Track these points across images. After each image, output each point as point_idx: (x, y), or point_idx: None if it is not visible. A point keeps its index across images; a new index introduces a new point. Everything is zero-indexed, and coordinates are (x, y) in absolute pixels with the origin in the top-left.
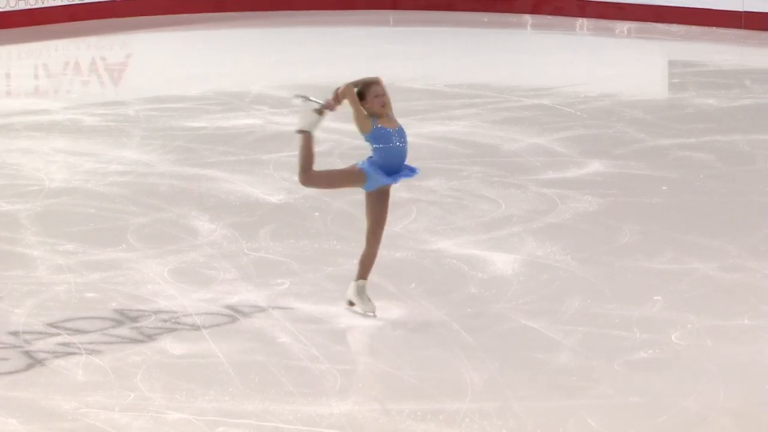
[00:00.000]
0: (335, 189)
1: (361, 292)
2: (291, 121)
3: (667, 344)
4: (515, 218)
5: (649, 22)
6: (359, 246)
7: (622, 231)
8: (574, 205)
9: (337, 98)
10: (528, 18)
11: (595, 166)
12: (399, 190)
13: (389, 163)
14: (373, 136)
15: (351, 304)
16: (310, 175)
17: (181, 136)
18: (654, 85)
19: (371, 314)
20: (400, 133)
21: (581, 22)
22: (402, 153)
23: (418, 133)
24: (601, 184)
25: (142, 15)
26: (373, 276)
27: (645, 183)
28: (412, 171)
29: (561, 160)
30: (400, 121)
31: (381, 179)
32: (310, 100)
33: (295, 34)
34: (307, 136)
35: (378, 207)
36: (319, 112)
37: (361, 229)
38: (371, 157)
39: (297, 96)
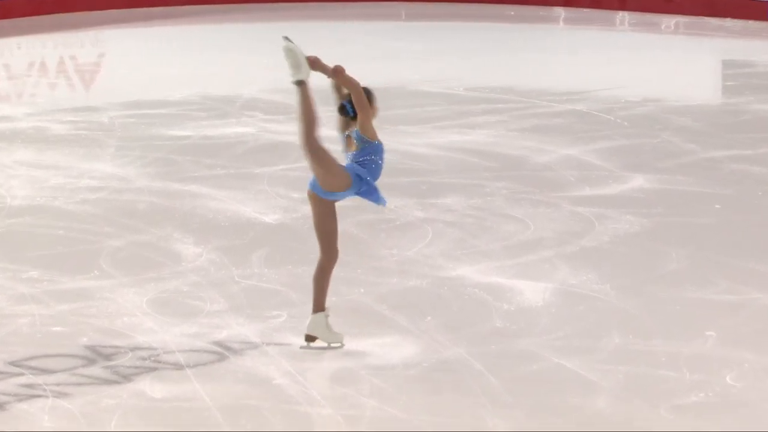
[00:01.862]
0: (323, 176)
1: (323, 323)
2: (287, 130)
3: (720, 386)
4: (545, 241)
5: (699, 17)
6: (365, 273)
7: (668, 256)
8: (613, 227)
9: (337, 71)
10: (561, 11)
11: (638, 181)
12: (412, 209)
13: (374, 179)
14: (376, 148)
15: (310, 339)
16: (313, 141)
17: (162, 147)
18: (705, 89)
19: (338, 345)
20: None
21: (622, 16)
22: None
23: (434, 143)
24: (644, 202)
25: (116, 8)
26: (382, 307)
27: (694, 201)
28: (381, 199)
29: (598, 174)
30: (416, 129)
31: (351, 193)
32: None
33: (293, 30)
34: (305, 88)
35: (334, 219)
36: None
37: (368, 254)
38: (357, 165)
39: (286, 37)
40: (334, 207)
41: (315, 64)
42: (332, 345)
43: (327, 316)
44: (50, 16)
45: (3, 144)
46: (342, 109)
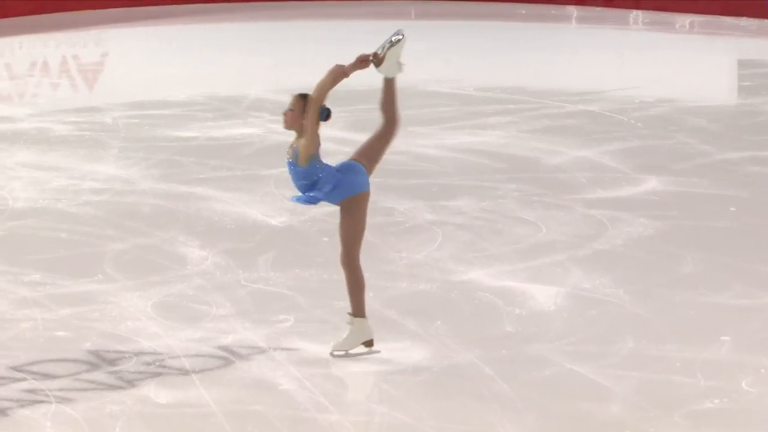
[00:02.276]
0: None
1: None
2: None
3: (736, 392)
4: (558, 244)
5: (714, 15)
6: (375, 277)
7: (683, 260)
8: (626, 230)
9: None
10: (573, 10)
11: (652, 183)
12: (422, 212)
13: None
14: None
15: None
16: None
17: (167, 148)
18: (720, 89)
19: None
20: None
21: (635, 14)
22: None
23: (445, 144)
24: (658, 205)
25: (119, 7)
26: (392, 311)
27: (710, 204)
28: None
29: (611, 176)
30: (427, 130)
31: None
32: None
33: (300, 29)
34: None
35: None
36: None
37: (377, 257)
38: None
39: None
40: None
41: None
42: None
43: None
44: (52, 15)
45: (5, 145)
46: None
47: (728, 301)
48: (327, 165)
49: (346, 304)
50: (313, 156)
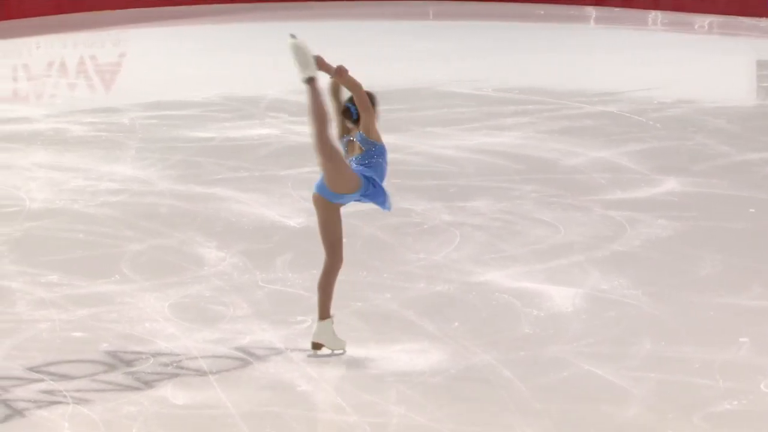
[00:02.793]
0: (334, 177)
1: (330, 330)
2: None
3: (755, 394)
4: (576, 246)
5: (734, 16)
6: (392, 278)
7: (701, 261)
8: (645, 231)
9: (340, 72)
10: (592, 10)
11: (671, 184)
12: (439, 213)
13: (381, 180)
14: (380, 150)
15: (317, 347)
16: (326, 140)
17: (184, 149)
18: (740, 90)
19: (341, 352)
20: None
21: (654, 15)
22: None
23: (462, 145)
24: (677, 206)
25: (137, 7)
26: (409, 313)
27: (729, 205)
28: (386, 204)
29: (630, 177)
30: (444, 130)
31: (358, 195)
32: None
33: (320, 30)
34: (315, 85)
35: (339, 224)
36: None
37: (395, 259)
38: (363, 168)
39: (292, 35)
40: (339, 212)
41: (320, 63)
42: (335, 352)
43: (332, 323)
44: (70, 15)
45: (22, 146)
46: (346, 112)
47: (747, 302)
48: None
49: (362, 305)
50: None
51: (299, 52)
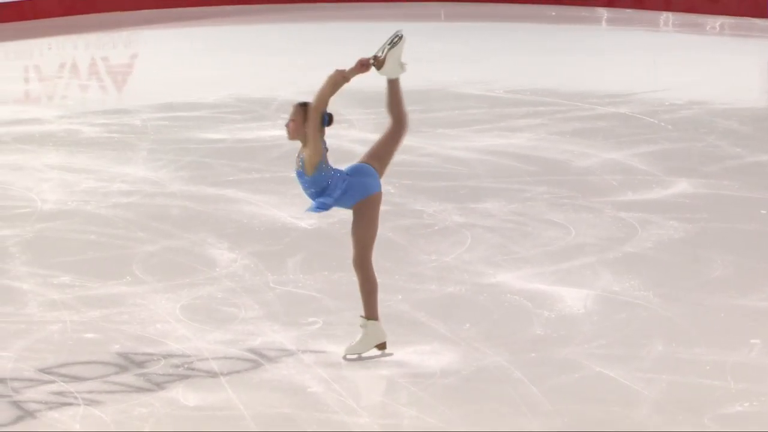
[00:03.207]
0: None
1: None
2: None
3: (766, 395)
4: (587, 247)
5: (745, 17)
6: (403, 279)
7: (713, 262)
8: (656, 232)
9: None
10: (603, 12)
11: (682, 186)
12: (451, 214)
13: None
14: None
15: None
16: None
17: (196, 150)
18: (752, 91)
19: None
20: None
21: (666, 16)
22: None
23: (474, 146)
24: (688, 208)
25: (149, 8)
26: (421, 314)
27: (740, 206)
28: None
29: (642, 179)
30: (456, 132)
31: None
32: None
33: (331, 31)
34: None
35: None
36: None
37: (406, 260)
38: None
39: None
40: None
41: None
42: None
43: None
44: (82, 16)
45: (34, 147)
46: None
47: (758, 304)
48: (336, 169)
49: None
50: (321, 163)
51: (398, 52)
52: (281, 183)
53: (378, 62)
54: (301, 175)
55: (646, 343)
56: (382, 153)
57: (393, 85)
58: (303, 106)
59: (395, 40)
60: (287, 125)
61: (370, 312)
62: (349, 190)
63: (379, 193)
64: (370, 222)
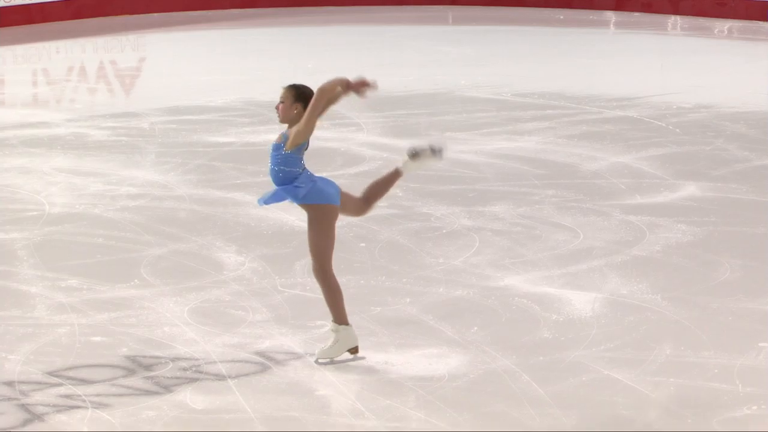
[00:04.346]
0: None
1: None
2: (332, 136)
3: None
4: (596, 251)
5: (754, 21)
6: (411, 282)
7: (721, 266)
8: (665, 236)
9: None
10: (611, 15)
11: (690, 189)
12: (459, 217)
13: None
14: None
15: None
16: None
17: (204, 154)
18: (760, 95)
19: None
20: None
21: (674, 20)
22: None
23: (482, 150)
24: (697, 211)
25: (156, 12)
26: (428, 317)
27: (749, 210)
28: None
29: (650, 182)
30: (464, 135)
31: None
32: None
33: (339, 34)
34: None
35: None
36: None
37: (414, 263)
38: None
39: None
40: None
41: (348, 85)
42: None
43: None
44: (90, 20)
45: (42, 150)
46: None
47: (766, 308)
48: (307, 170)
49: (382, 310)
50: (302, 146)
51: (429, 162)
52: None
53: (413, 156)
54: (278, 147)
55: (654, 347)
56: (343, 200)
57: (395, 176)
58: (292, 88)
59: (436, 153)
60: (277, 107)
61: (340, 317)
62: (311, 191)
63: (336, 207)
64: (324, 233)
